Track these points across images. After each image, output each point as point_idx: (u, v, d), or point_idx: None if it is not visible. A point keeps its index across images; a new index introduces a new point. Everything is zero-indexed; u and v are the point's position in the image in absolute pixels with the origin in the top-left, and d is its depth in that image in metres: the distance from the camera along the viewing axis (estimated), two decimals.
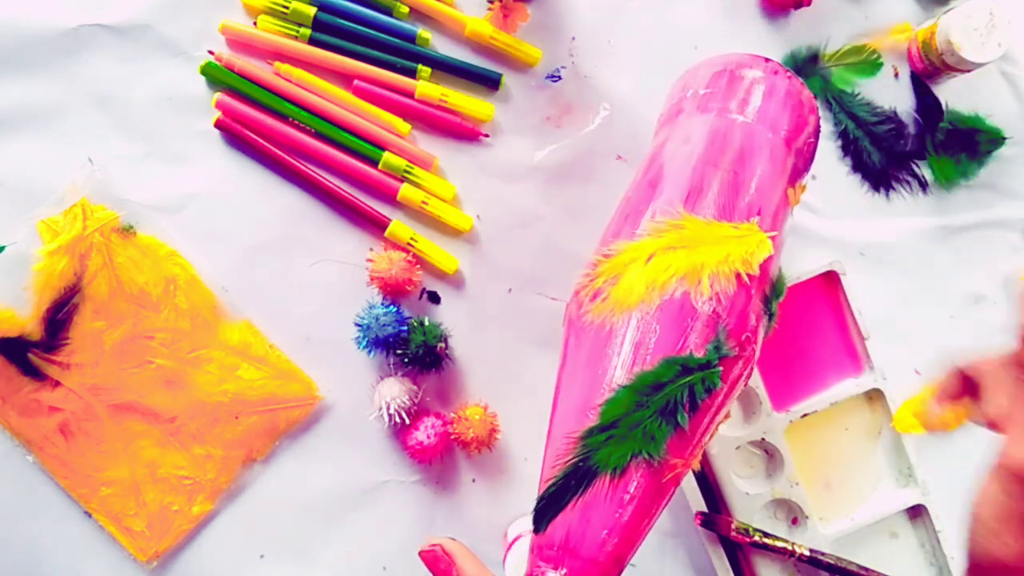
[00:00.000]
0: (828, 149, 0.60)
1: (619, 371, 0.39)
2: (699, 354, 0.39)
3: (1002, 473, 0.33)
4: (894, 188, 0.61)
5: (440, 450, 0.56)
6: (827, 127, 0.60)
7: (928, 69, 0.59)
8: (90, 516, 0.58)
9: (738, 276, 0.40)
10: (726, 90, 0.47)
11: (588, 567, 0.36)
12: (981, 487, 0.34)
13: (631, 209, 0.45)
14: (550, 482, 0.38)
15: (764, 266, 0.42)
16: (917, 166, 0.61)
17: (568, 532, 0.37)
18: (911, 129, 0.61)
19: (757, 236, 0.42)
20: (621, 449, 0.37)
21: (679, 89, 0.50)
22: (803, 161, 0.48)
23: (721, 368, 0.39)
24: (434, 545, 0.36)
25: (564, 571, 0.36)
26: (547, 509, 0.38)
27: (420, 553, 0.37)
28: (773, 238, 0.42)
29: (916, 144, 0.60)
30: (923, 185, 0.61)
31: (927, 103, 0.60)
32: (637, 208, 0.44)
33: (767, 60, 0.48)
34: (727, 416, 0.43)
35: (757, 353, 0.42)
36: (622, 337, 0.39)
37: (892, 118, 0.60)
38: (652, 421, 0.38)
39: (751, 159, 0.44)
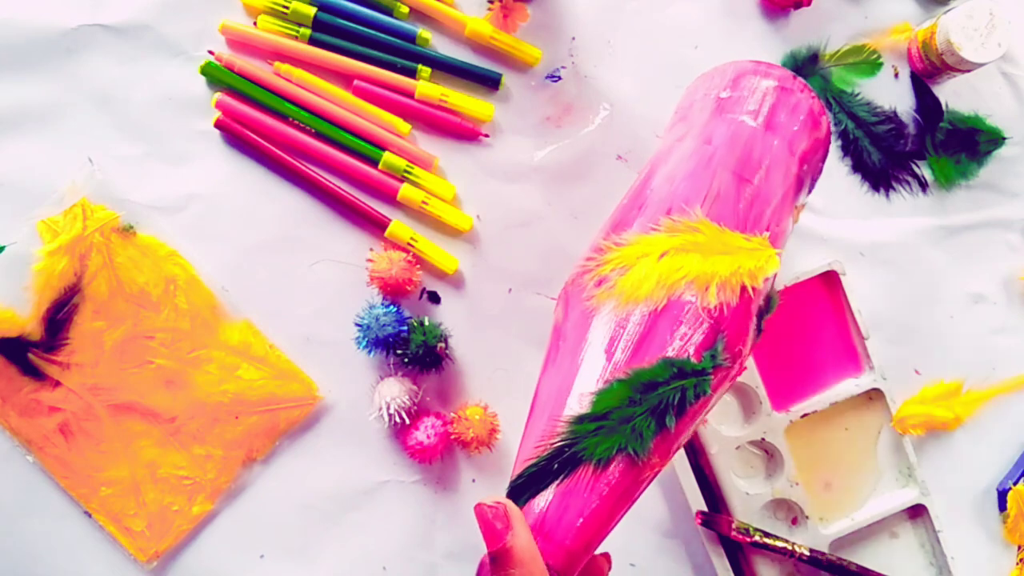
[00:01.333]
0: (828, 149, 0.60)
1: (617, 364, 0.39)
2: (696, 360, 0.39)
3: None
4: (894, 188, 0.61)
5: (440, 450, 0.56)
6: None
7: (928, 69, 0.59)
8: (90, 516, 0.58)
9: (743, 289, 0.41)
10: (753, 99, 0.47)
11: (560, 551, 0.36)
12: None
13: (645, 200, 0.45)
14: (531, 461, 0.38)
15: (765, 282, 0.42)
16: (917, 166, 0.61)
17: (545, 515, 0.37)
18: (911, 129, 0.61)
19: (767, 251, 0.42)
20: (609, 441, 0.37)
21: (703, 84, 0.50)
22: (811, 181, 0.48)
23: (713, 377, 0.39)
24: (498, 503, 0.35)
25: None
26: (526, 488, 0.37)
27: (478, 507, 0.35)
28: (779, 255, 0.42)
29: (916, 144, 0.60)
30: (923, 185, 0.61)
31: (927, 103, 0.60)
32: (653, 200, 0.44)
33: (795, 76, 0.48)
34: (704, 421, 0.43)
35: (745, 365, 0.42)
36: (624, 329, 0.40)
37: (892, 118, 0.60)
38: (643, 419, 0.38)
39: (772, 175, 0.45)
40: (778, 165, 0.45)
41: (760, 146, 0.45)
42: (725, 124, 0.46)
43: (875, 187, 0.60)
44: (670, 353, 0.39)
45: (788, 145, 0.46)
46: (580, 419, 0.38)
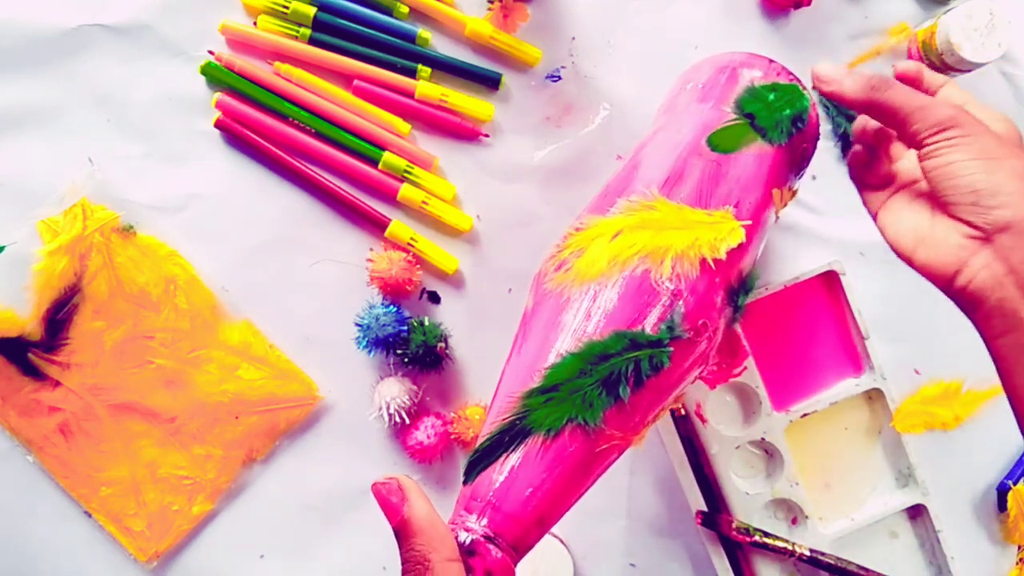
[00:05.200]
0: (828, 149, 0.60)
1: (569, 339, 0.39)
2: (652, 332, 0.39)
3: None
4: None
5: (440, 450, 0.56)
6: (826, 127, 0.60)
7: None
8: (90, 516, 0.58)
9: (703, 261, 0.41)
10: (725, 86, 0.47)
11: (509, 521, 0.37)
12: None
13: (610, 188, 0.45)
14: (485, 437, 0.38)
15: (734, 257, 0.42)
16: None
17: (494, 486, 0.37)
18: None
19: (729, 224, 0.42)
20: (558, 412, 0.38)
21: (681, 82, 0.51)
22: (795, 163, 0.48)
23: (672, 349, 0.39)
24: (390, 479, 0.35)
25: (485, 521, 0.36)
26: (478, 462, 0.38)
27: (373, 486, 0.35)
28: (747, 228, 0.42)
29: None
30: None
31: None
32: (616, 188, 0.45)
33: (771, 61, 0.48)
34: (678, 400, 0.43)
35: (716, 341, 0.42)
36: (577, 307, 0.40)
37: None
38: (592, 389, 0.38)
39: (743, 156, 0.45)
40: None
41: None
42: (697, 111, 0.46)
43: None
44: (627, 327, 0.39)
45: None
46: (531, 392, 0.38)
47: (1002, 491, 0.59)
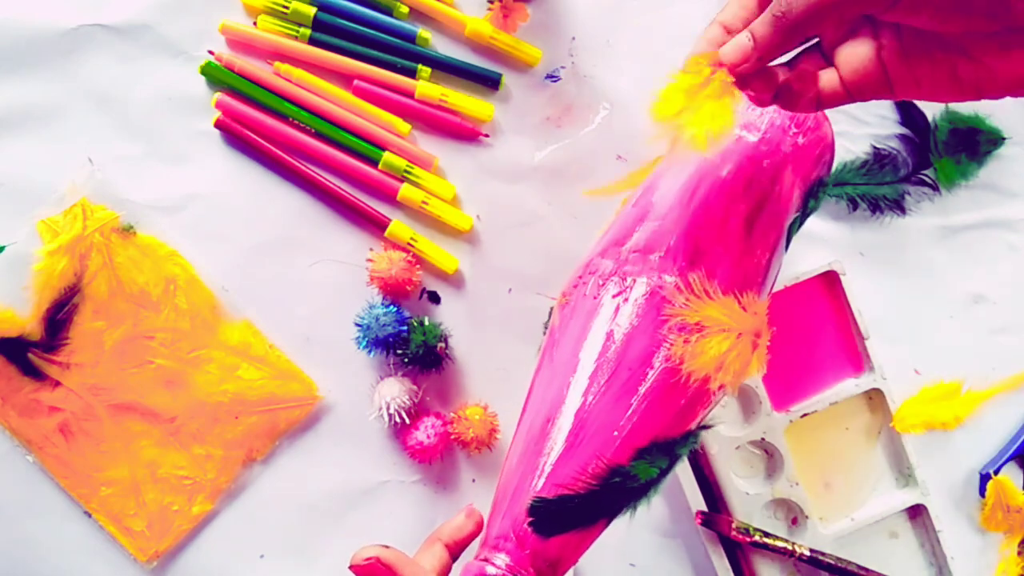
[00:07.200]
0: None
1: (667, 428, 0.41)
2: (695, 428, 0.43)
3: None
4: (908, 210, 0.60)
5: (440, 450, 0.56)
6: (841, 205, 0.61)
7: None
8: (90, 516, 0.58)
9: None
10: (818, 162, 0.48)
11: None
12: None
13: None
14: (570, 494, 0.39)
15: None
16: (926, 175, 0.60)
17: (561, 554, 0.39)
18: (903, 151, 0.60)
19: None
20: (632, 501, 0.40)
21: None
22: None
23: None
24: (369, 559, 0.34)
25: None
26: (558, 521, 0.39)
27: (352, 568, 0.34)
28: None
29: (916, 157, 0.60)
30: (935, 187, 0.60)
31: (908, 112, 0.60)
32: (726, 253, 0.44)
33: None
34: None
35: None
36: (686, 398, 0.41)
37: (884, 157, 0.60)
38: (658, 487, 0.40)
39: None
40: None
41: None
42: (793, 192, 0.46)
43: (899, 211, 0.60)
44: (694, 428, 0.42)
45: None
46: (619, 472, 0.39)
47: (984, 476, 0.59)
